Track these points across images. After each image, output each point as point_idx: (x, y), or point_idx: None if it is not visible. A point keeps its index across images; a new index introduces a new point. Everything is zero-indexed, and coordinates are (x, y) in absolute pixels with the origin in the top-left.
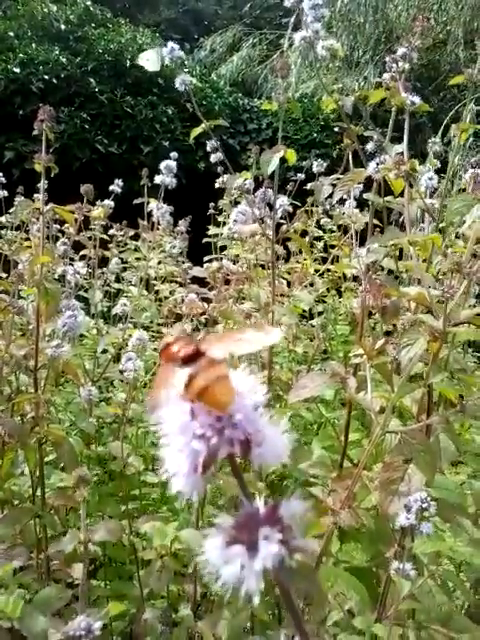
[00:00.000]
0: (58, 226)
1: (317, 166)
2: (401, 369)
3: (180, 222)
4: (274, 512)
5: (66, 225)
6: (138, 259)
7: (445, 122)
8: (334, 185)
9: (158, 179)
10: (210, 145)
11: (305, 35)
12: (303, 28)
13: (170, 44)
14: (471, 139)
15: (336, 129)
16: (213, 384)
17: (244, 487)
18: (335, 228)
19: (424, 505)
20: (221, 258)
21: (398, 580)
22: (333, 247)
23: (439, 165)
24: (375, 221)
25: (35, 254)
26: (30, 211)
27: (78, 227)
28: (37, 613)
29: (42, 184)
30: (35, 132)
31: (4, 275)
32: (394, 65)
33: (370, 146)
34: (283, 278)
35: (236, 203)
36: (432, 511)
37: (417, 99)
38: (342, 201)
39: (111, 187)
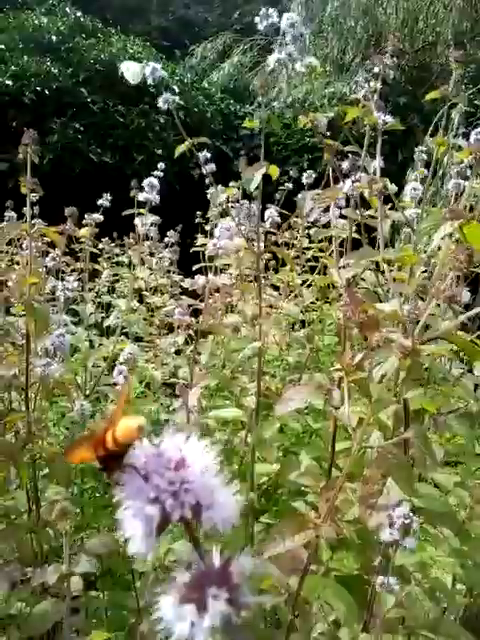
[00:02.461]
0: (48, 240)
1: (306, 178)
2: (372, 387)
3: (170, 233)
4: (225, 570)
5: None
6: (126, 273)
7: (434, 122)
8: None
9: (141, 196)
10: (201, 158)
11: (279, 57)
12: (276, 51)
13: (151, 65)
14: (460, 137)
15: (328, 133)
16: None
17: (198, 547)
18: (315, 240)
19: (407, 521)
20: (210, 267)
21: (382, 594)
22: (321, 257)
23: (427, 170)
24: (355, 235)
25: (23, 274)
26: (16, 231)
27: (68, 241)
28: None
29: (28, 207)
30: (20, 156)
31: None
32: (366, 84)
33: (345, 165)
34: (275, 287)
35: (224, 214)
36: (415, 527)
37: (389, 118)
38: (327, 209)
39: (99, 201)
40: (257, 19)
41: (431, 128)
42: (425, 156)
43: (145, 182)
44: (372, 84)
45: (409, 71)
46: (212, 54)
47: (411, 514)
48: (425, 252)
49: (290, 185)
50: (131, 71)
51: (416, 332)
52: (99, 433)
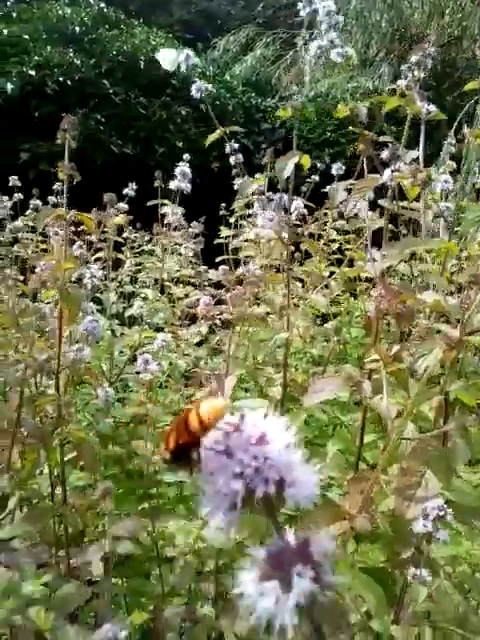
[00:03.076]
0: (73, 228)
1: (337, 170)
2: (416, 379)
3: (194, 224)
4: (305, 548)
5: (81, 227)
6: (152, 262)
7: (459, 118)
8: (349, 190)
9: (173, 185)
10: (229, 147)
11: (322, 44)
12: (318, 37)
13: (185, 51)
14: None
15: (350, 128)
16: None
17: (277, 524)
18: (350, 230)
19: (441, 513)
20: (234, 260)
21: (415, 586)
22: (348, 249)
23: (453, 160)
24: (390, 225)
25: (57, 260)
26: (51, 217)
27: (93, 231)
28: (65, 623)
29: (64, 191)
30: (58, 141)
31: (22, 278)
32: (409, 73)
33: (385, 154)
34: (299, 280)
35: (250, 205)
36: (449, 519)
37: (433, 107)
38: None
39: (125, 190)
40: (300, 5)
41: (455, 124)
42: (453, 148)
43: (177, 170)
44: (415, 73)
45: (434, 66)
46: (235, 47)
47: (445, 506)
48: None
49: (317, 177)
50: (168, 59)
51: (465, 321)
52: (179, 420)
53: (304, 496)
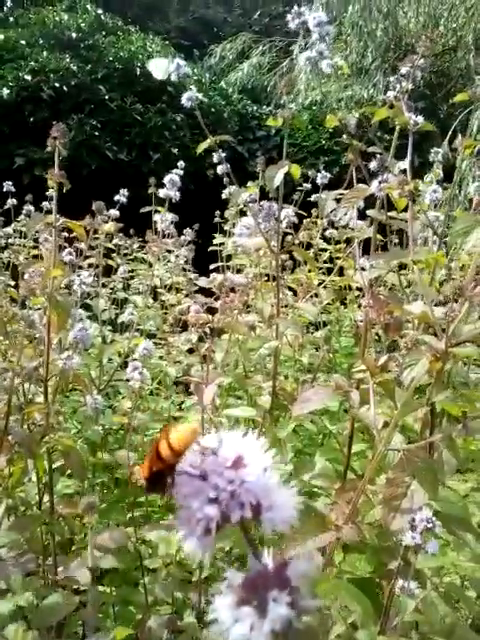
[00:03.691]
0: (65, 234)
1: (321, 178)
2: (402, 390)
3: (186, 231)
4: (282, 572)
5: (73, 234)
6: (143, 269)
7: (453, 128)
8: (338, 200)
9: (162, 193)
10: (217, 157)
11: (310, 56)
12: (308, 48)
13: (176, 60)
14: (479, 146)
15: (344, 136)
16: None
17: (254, 548)
18: (341, 239)
19: (429, 525)
20: (227, 267)
21: (403, 598)
22: (338, 258)
23: (446, 169)
24: (378, 236)
25: (47, 267)
26: (41, 224)
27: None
28: None
29: (54, 199)
30: (48, 148)
31: (12, 283)
32: (398, 84)
33: (373, 165)
34: (289, 288)
35: (242, 213)
36: (437, 531)
37: (420, 119)
38: (346, 213)
39: (116, 197)
40: (288, 17)
41: (450, 133)
42: (441, 157)
43: (166, 179)
44: (403, 84)
45: (427, 76)
46: (231, 54)
47: (433, 518)
48: (456, 254)
49: (308, 185)
50: (159, 67)
51: (450, 333)
52: (153, 447)
53: (282, 520)
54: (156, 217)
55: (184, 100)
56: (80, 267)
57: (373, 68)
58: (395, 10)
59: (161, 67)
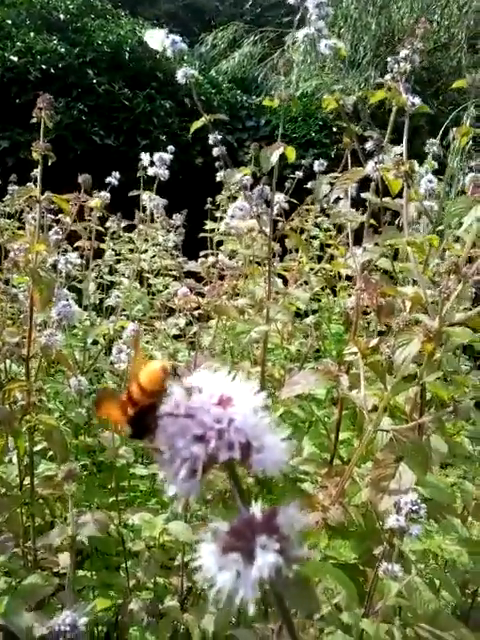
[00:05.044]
0: (52, 216)
1: (318, 166)
2: (394, 368)
3: (176, 216)
4: (271, 520)
5: (60, 215)
6: (131, 251)
7: (445, 125)
8: (332, 184)
9: (151, 171)
10: (212, 139)
11: (308, 32)
12: (307, 25)
13: (172, 37)
14: (470, 143)
15: (334, 129)
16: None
17: (242, 493)
18: (331, 227)
19: (414, 508)
20: (217, 253)
21: (386, 581)
22: (329, 246)
23: (437, 167)
24: (371, 221)
25: (30, 242)
26: (26, 199)
27: (73, 218)
28: (21, 608)
29: (39, 172)
30: (34, 120)
31: None
32: (396, 66)
33: (369, 145)
34: (279, 275)
35: (233, 199)
36: (422, 514)
37: (417, 100)
38: (338, 200)
39: (108, 179)
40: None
41: (442, 130)
42: (436, 149)
43: (155, 156)
44: (401, 65)
45: (419, 72)
46: (222, 43)
47: (419, 501)
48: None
49: (300, 173)
50: (155, 38)
51: (443, 312)
52: (123, 393)
53: (272, 462)
54: (143, 197)
55: (179, 76)
56: (65, 250)
57: (365, 62)
58: (389, 4)
59: (157, 38)
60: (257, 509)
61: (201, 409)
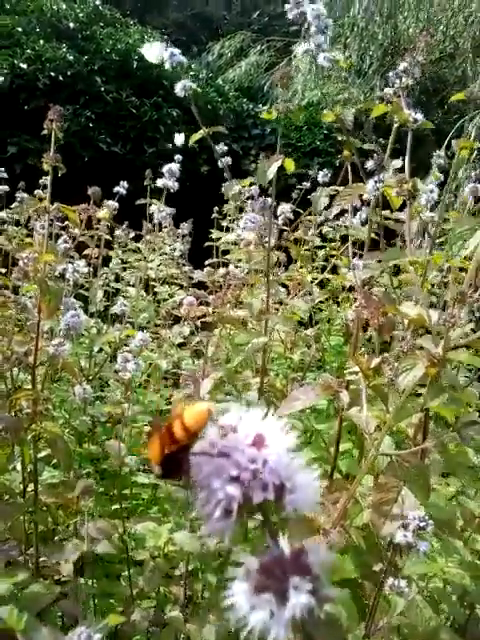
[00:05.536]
0: (59, 224)
1: (322, 176)
2: (398, 393)
3: (182, 225)
4: (302, 558)
5: (67, 222)
6: (138, 260)
7: (450, 136)
8: (332, 196)
9: (160, 182)
10: (218, 150)
11: (308, 48)
12: (306, 40)
13: (170, 49)
14: (475, 153)
15: (339, 138)
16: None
17: (273, 532)
18: (337, 237)
19: (422, 524)
20: (223, 262)
21: (392, 597)
22: (333, 256)
23: (442, 178)
24: (373, 235)
25: (39, 252)
26: (34, 208)
27: (82, 229)
28: (39, 625)
29: (49, 182)
30: (44, 131)
31: (3, 271)
32: (397, 80)
33: (370, 164)
34: (283, 285)
35: (241, 209)
36: (429, 530)
37: (420, 116)
38: (342, 212)
39: (116, 188)
40: (287, 6)
41: (447, 139)
42: (442, 161)
43: (165, 168)
44: (403, 80)
45: (424, 82)
46: (230, 52)
47: (426, 517)
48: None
49: (307, 184)
50: (152, 51)
51: (451, 340)
52: (164, 429)
53: (305, 502)
54: (152, 208)
55: (178, 89)
56: (72, 257)
57: (371, 71)
58: (395, 14)
59: (154, 51)
60: (284, 544)
61: (236, 449)
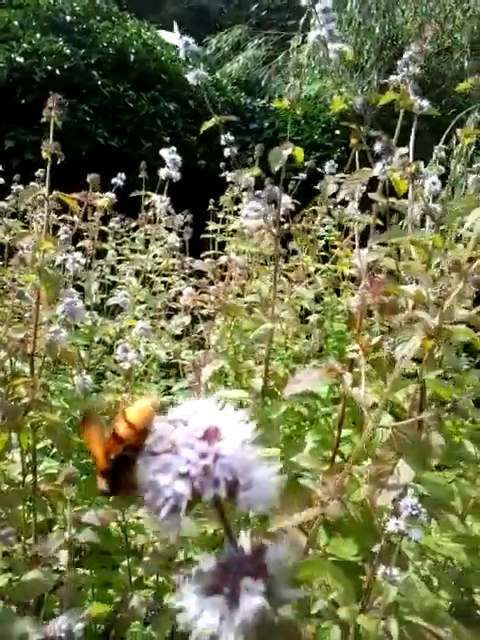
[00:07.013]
0: (55, 216)
1: (329, 168)
2: (395, 365)
3: (179, 216)
4: (258, 557)
5: (64, 215)
6: (134, 251)
7: (448, 129)
8: (339, 184)
9: (162, 173)
10: (224, 139)
11: (319, 34)
12: (316, 28)
13: (185, 38)
14: (473, 147)
15: (337, 132)
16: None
17: (229, 530)
18: (335, 228)
19: (414, 511)
20: (219, 254)
21: (385, 585)
22: (334, 247)
23: (443, 171)
24: (378, 221)
25: (38, 240)
26: (32, 198)
27: (80, 218)
28: (15, 615)
29: (47, 170)
30: (43, 119)
31: (0, 262)
32: (405, 68)
33: (378, 147)
34: (285, 275)
35: (237, 200)
36: (423, 518)
37: (426, 103)
38: (344, 203)
39: (113, 180)
40: None
41: (446, 132)
42: (439, 155)
43: (168, 157)
44: (410, 68)
45: (421, 76)
46: (227, 46)
47: (419, 505)
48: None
49: (304, 175)
50: (173, 35)
51: (444, 309)
52: (108, 432)
53: (260, 500)
54: (154, 197)
55: (191, 78)
56: (68, 250)
57: (368, 66)
58: (393, 8)
59: (175, 34)
60: (246, 541)
61: (185, 444)
